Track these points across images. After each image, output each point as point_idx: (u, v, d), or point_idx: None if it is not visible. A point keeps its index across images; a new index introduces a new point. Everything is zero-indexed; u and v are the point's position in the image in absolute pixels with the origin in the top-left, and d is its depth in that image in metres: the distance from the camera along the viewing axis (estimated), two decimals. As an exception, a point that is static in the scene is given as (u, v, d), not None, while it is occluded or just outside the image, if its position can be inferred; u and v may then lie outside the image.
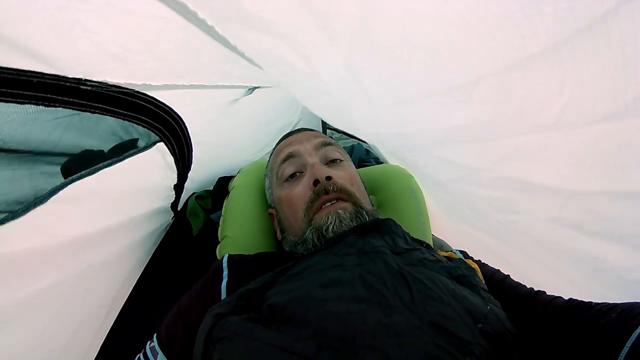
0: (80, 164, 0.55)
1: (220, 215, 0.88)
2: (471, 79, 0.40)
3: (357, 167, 0.94)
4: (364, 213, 0.65)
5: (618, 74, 0.34)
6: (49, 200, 0.47)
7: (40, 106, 0.44)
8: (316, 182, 0.66)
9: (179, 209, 0.98)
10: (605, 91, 0.36)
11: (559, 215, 0.54)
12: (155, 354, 0.54)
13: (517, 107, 0.43)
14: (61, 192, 0.49)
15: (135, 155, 0.64)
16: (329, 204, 0.65)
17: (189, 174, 0.90)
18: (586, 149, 0.43)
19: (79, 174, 0.51)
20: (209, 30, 0.44)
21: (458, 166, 0.65)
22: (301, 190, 0.68)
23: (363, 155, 1.48)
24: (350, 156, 1.16)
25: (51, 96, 0.44)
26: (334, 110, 0.67)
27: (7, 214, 0.42)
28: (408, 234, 0.61)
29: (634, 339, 0.38)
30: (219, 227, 0.86)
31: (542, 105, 0.41)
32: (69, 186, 0.50)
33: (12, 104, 0.41)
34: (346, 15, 0.35)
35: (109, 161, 0.57)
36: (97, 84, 0.48)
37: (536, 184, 0.53)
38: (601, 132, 0.40)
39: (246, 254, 0.68)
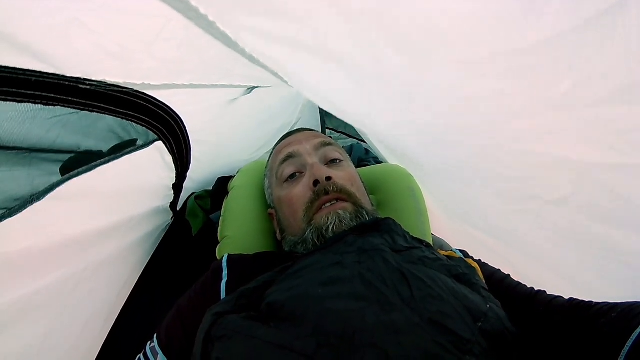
0: (80, 163, 0.55)
1: (219, 216, 0.88)
2: (481, 56, 0.40)
3: (357, 166, 0.94)
4: (364, 213, 0.65)
5: (627, 59, 0.34)
6: (46, 197, 0.47)
7: (39, 105, 0.44)
8: (316, 182, 0.66)
9: (178, 209, 0.98)
10: (614, 73, 0.36)
11: (567, 195, 0.53)
12: (155, 354, 0.54)
13: (527, 85, 0.42)
14: (59, 189, 0.49)
15: (134, 153, 0.64)
16: (328, 204, 0.65)
17: (187, 174, 0.90)
18: (595, 129, 0.43)
19: (76, 171, 0.51)
20: (210, 27, 0.44)
21: (464, 146, 0.63)
22: (301, 190, 0.68)
23: (362, 155, 1.47)
24: (350, 156, 1.15)
25: (50, 95, 0.44)
26: (339, 93, 0.66)
27: (4, 211, 0.42)
28: (408, 232, 0.61)
29: (634, 338, 0.38)
30: (219, 228, 0.86)
31: (550, 84, 0.40)
32: (67, 183, 0.50)
33: (10, 103, 0.41)
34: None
35: (107, 158, 0.57)
36: (95, 83, 0.48)
37: (547, 161, 0.53)
38: (611, 114, 0.40)
39: (246, 254, 0.68)
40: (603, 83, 0.37)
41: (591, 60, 0.36)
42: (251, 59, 0.54)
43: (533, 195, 0.59)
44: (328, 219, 0.62)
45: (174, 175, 0.84)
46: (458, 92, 0.49)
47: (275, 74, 0.61)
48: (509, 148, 0.56)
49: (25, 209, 0.44)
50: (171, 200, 0.91)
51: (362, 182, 0.78)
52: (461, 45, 0.39)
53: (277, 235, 0.77)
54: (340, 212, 0.63)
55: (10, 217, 0.43)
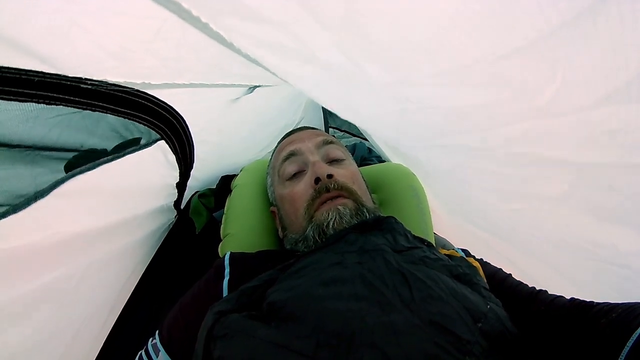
0: (84, 160, 0.55)
1: (222, 214, 0.89)
2: (464, 64, 0.40)
3: (359, 165, 0.94)
4: (365, 210, 0.65)
5: (608, 60, 0.34)
6: (50, 194, 0.47)
7: (42, 104, 0.45)
8: (317, 180, 0.66)
9: (182, 207, 0.98)
10: (597, 76, 0.36)
11: (565, 194, 0.53)
12: (157, 351, 0.54)
13: (512, 93, 0.42)
14: (62, 186, 0.49)
15: (137, 153, 0.64)
16: (329, 200, 0.65)
17: (191, 173, 0.91)
18: (584, 133, 0.43)
19: (79, 169, 0.52)
20: (204, 28, 0.44)
21: (460, 150, 0.64)
22: (302, 188, 0.68)
23: (365, 154, 1.47)
24: (352, 154, 1.15)
25: (52, 94, 0.44)
26: (336, 96, 0.67)
27: (8, 207, 0.43)
28: (409, 232, 0.61)
29: (634, 339, 0.38)
30: (222, 225, 0.86)
31: (535, 91, 0.40)
32: (70, 180, 0.50)
33: (13, 102, 0.42)
34: (334, 4, 0.35)
35: (110, 157, 0.58)
36: (97, 82, 0.48)
37: (543, 162, 0.53)
38: (596, 117, 0.40)
39: (248, 251, 0.68)
40: (586, 86, 0.37)
41: (573, 63, 0.36)
42: (247, 57, 0.54)
43: (530, 194, 0.59)
44: (328, 215, 0.62)
45: (177, 174, 0.85)
46: (446, 102, 0.49)
47: (273, 73, 0.61)
48: (502, 151, 0.56)
49: (29, 205, 0.45)
50: (175, 199, 0.91)
51: (364, 181, 0.78)
52: (443, 55, 0.39)
53: (279, 233, 0.77)
54: (340, 207, 0.63)
55: (15, 213, 0.43)
